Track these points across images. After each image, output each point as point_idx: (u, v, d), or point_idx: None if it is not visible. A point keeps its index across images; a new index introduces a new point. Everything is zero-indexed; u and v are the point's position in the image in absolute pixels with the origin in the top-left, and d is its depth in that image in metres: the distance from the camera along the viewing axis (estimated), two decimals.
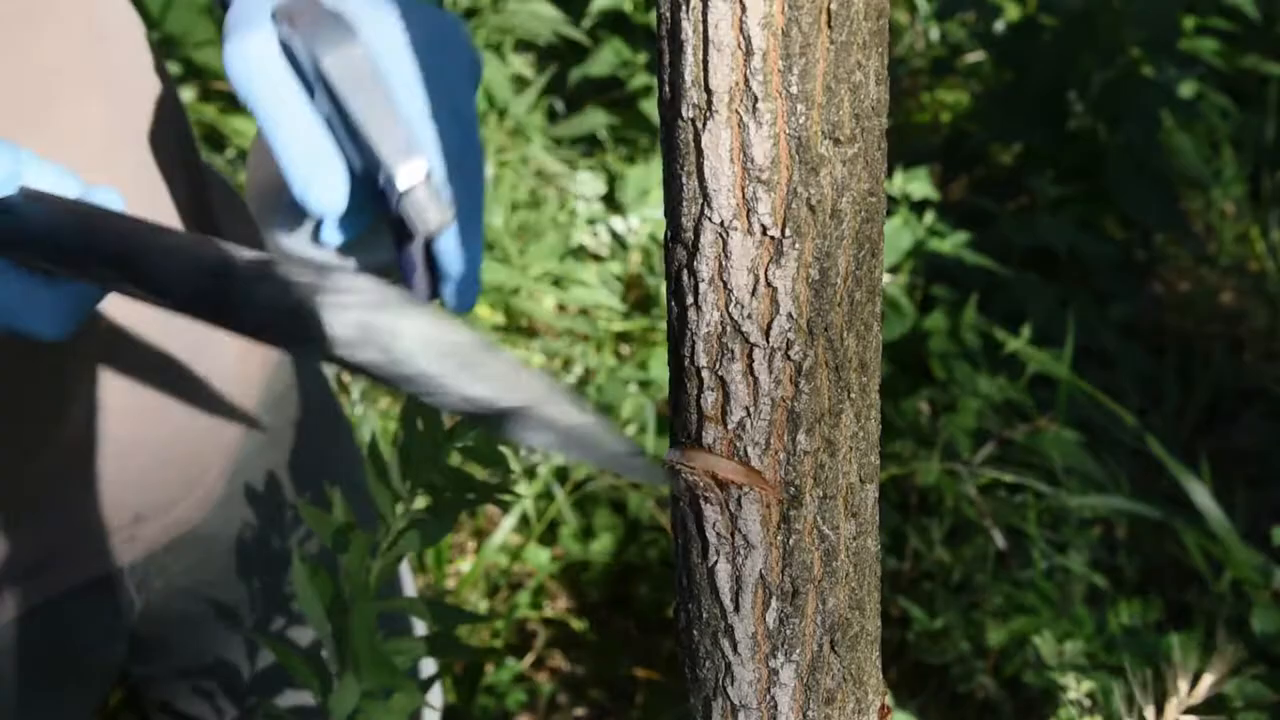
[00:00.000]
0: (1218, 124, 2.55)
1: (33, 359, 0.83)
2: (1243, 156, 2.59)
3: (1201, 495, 1.69)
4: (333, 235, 0.70)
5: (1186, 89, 2.54)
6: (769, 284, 0.55)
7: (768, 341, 0.56)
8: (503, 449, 0.76)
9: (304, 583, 0.78)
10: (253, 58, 0.68)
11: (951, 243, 2.25)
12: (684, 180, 0.55)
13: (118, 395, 0.89)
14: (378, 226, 0.70)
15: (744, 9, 0.51)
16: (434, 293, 0.71)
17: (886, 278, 2.15)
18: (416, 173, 0.66)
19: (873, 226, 0.56)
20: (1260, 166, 2.60)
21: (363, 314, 0.57)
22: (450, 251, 0.69)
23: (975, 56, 2.88)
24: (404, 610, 0.86)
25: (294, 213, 0.71)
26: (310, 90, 0.68)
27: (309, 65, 0.68)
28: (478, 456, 0.75)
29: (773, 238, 0.54)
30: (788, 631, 0.60)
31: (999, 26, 2.69)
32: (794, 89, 0.52)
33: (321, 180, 0.67)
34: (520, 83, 2.73)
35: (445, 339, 0.56)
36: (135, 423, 0.91)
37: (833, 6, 0.51)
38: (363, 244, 0.72)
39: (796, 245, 0.54)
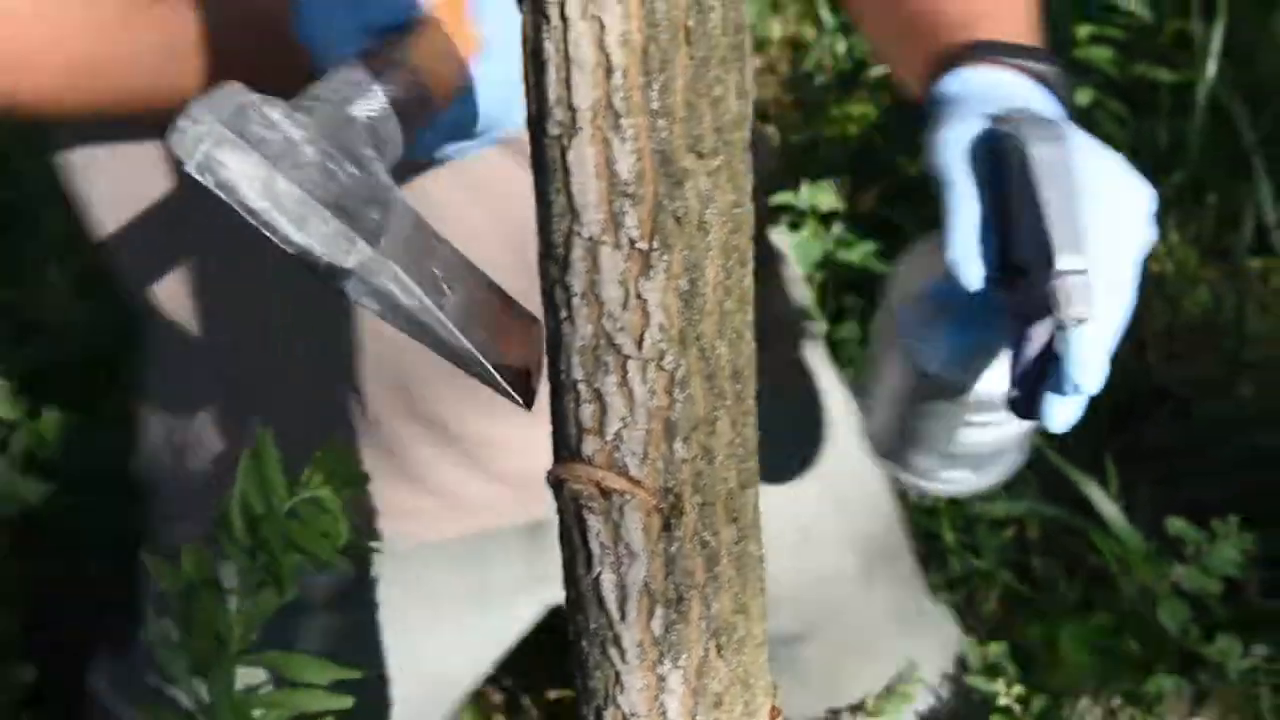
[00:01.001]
0: (1114, 131, 2.60)
1: None
2: (1139, 163, 2.64)
3: (1101, 499, 1.72)
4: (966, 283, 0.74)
5: (1083, 97, 2.59)
6: (639, 296, 0.56)
7: (640, 352, 0.56)
8: (338, 510, 0.73)
9: (159, 639, 0.74)
10: (956, 143, 0.77)
11: (860, 253, 2.28)
12: (553, 197, 0.56)
13: None
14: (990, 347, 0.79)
15: (603, 27, 0.52)
16: (1031, 400, 0.75)
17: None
18: (1076, 262, 0.71)
19: (740, 236, 0.57)
20: (1155, 172, 2.66)
21: (209, 145, 0.61)
22: (1078, 345, 0.73)
23: (881, 70, 2.92)
24: (274, 666, 0.79)
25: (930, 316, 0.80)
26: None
27: (1014, 154, 0.75)
28: (319, 510, 0.72)
29: (641, 250, 0.55)
30: (673, 638, 0.60)
31: None
32: (655, 105, 0.53)
33: (974, 258, 0.74)
34: None
35: (272, 183, 0.61)
36: None
37: (690, 24, 0.53)
38: (974, 355, 0.80)
39: (665, 257, 0.55)
